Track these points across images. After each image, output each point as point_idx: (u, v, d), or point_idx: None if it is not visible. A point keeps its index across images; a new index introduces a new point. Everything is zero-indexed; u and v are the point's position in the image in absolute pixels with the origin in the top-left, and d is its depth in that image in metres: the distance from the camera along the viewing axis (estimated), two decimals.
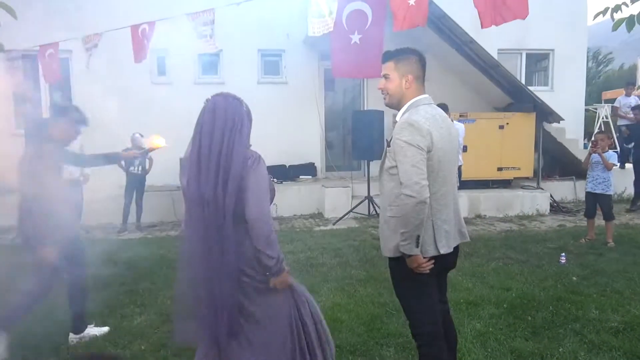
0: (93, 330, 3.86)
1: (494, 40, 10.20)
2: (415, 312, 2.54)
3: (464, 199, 8.80)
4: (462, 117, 9.03)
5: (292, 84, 10.28)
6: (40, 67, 7.36)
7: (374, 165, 8.00)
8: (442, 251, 2.41)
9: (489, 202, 8.90)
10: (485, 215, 8.79)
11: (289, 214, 9.08)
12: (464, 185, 9.02)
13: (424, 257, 2.39)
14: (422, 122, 2.35)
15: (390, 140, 2.43)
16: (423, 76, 2.54)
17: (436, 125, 2.40)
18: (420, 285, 2.47)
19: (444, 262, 2.51)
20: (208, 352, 2.33)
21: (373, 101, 10.36)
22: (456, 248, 2.61)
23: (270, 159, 10.20)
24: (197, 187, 2.21)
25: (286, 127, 10.12)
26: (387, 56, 2.57)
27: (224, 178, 2.17)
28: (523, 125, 9.16)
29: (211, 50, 5.98)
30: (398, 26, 4.78)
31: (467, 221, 8.37)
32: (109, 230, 8.11)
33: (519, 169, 9.32)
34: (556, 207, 9.11)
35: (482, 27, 4.39)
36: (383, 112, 8.66)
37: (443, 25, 8.96)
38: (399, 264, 2.48)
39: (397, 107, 2.55)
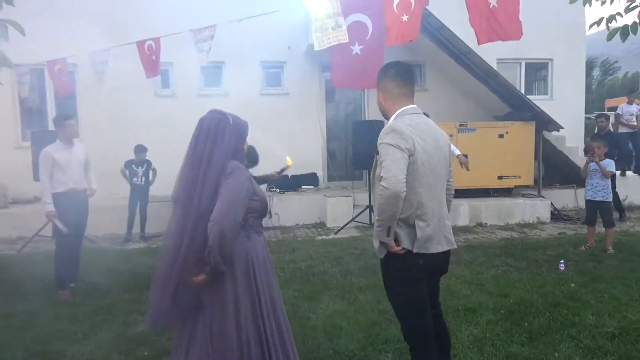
0: None
1: (492, 50, 10.22)
2: (406, 314, 2.62)
3: (465, 207, 8.87)
4: (462, 127, 9.13)
5: (294, 95, 10.42)
6: (51, 81, 7.52)
7: None
8: (415, 250, 2.48)
9: (490, 211, 8.95)
10: (486, 224, 8.84)
11: (291, 223, 9.15)
12: (465, 193, 9.10)
13: (400, 247, 2.49)
14: (404, 127, 2.47)
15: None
16: (401, 88, 2.64)
17: (420, 132, 2.50)
18: (410, 288, 2.55)
19: (432, 265, 2.57)
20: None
21: (374, 111, 10.47)
22: (446, 254, 2.67)
23: (272, 169, 10.35)
24: (179, 191, 2.46)
25: (288, 138, 10.21)
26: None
27: (202, 183, 2.38)
28: (523, 134, 9.24)
29: (202, 63, 6.15)
30: (391, 41, 4.90)
31: (468, 229, 8.44)
32: (113, 241, 8.21)
33: (519, 177, 9.38)
34: (557, 215, 9.15)
35: (478, 43, 4.50)
36: (383, 122, 8.68)
37: (441, 36, 9.08)
38: (389, 266, 2.57)
39: (386, 118, 2.70)
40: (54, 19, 8.76)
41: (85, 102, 9.78)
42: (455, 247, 2.72)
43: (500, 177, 9.34)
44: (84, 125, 9.86)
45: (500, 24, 4.12)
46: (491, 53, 10.27)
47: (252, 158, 5.30)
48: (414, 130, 2.48)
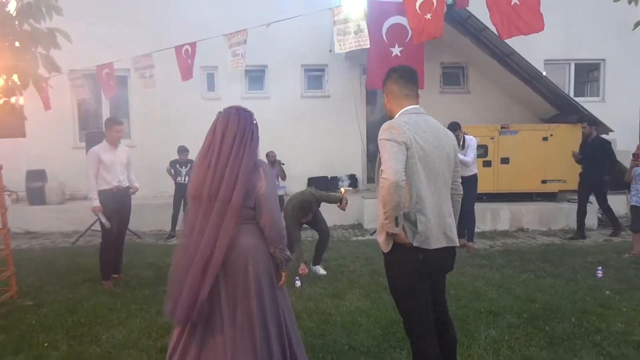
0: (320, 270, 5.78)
1: (539, 51, 10.06)
2: (407, 309, 2.67)
3: (506, 211, 8.68)
4: (504, 129, 8.95)
5: (335, 98, 10.54)
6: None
7: None
8: (415, 243, 2.53)
9: (532, 215, 8.71)
10: (528, 229, 8.61)
11: (329, 224, 9.14)
12: (506, 197, 8.92)
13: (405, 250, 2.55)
14: (401, 124, 2.57)
15: None
16: (404, 90, 2.74)
17: (417, 129, 2.58)
18: (410, 284, 2.61)
19: (433, 261, 2.59)
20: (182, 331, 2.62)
21: None
22: (450, 252, 2.70)
23: (313, 170, 10.57)
24: (202, 186, 2.51)
25: (328, 140, 10.39)
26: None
27: (231, 179, 2.48)
28: (569, 136, 8.92)
29: (239, 68, 6.34)
30: (416, 38, 4.95)
31: (508, 234, 8.27)
32: (159, 237, 8.64)
33: (564, 181, 9.07)
34: (604, 221, 8.78)
35: (501, 38, 4.49)
36: None
37: (484, 38, 8.94)
38: (391, 261, 2.64)
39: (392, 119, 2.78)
40: (108, 25, 9.38)
41: (136, 104, 10.33)
42: (457, 245, 2.73)
43: (544, 182, 9.07)
44: (135, 127, 10.45)
45: (522, 18, 4.10)
46: (538, 54, 10.05)
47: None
48: (411, 127, 2.57)
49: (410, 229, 2.56)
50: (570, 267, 5.95)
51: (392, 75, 2.79)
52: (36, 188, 9.40)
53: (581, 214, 7.96)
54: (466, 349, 3.62)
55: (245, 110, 2.64)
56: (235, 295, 2.56)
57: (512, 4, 4.08)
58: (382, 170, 2.49)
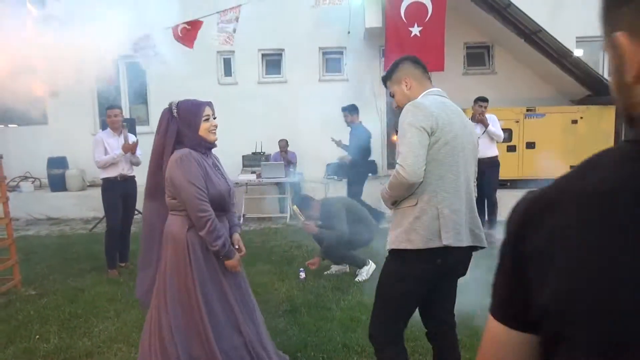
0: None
1: (572, 27, 9.47)
2: (387, 314, 2.44)
3: None
4: (530, 112, 8.50)
5: (353, 81, 10.24)
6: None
7: None
8: (446, 242, 2.19)
9: None
10: None
11: None
12: (530, 184, 8.48)
13: (426, 248, 2.22)
14: (427, 104, 2.29)
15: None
16: (423, 73, 2.51)
17: (445, 110, 2.31)
18: (403, 289, 2.34)
19: (448, 262, 2.28)
20: None
21: None
22: (467, 253, 2.40)
23: (331, 157, 10.34)
24: None
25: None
26: (384, 79, 2.66)
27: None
28: (600, 119, 8.41)
29: (223, 45, 6.15)
30: None
31: None
32: None
33: None
34: None
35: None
36: None
37: (509, 15, 8.46)
38: (395, 259, 2.36)
39: None
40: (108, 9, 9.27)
41: (154, 91, 10.31)
42: (485, 245, 2.41)
43: (572, 167, 8.57)
44: (154, 113, 10.44)
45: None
46: (569, 31, 9.45)
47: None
48: (438, 107, 2.29)
49: (432, 226, 2.21)
50: None
51: (406, 62, 2.54)
52: (57, 175, 9.53)
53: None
54: (468, 350, 3.39)
55: (168, 107, 2.70)
56: None
57: None
58: (398, 163, 2.22)
